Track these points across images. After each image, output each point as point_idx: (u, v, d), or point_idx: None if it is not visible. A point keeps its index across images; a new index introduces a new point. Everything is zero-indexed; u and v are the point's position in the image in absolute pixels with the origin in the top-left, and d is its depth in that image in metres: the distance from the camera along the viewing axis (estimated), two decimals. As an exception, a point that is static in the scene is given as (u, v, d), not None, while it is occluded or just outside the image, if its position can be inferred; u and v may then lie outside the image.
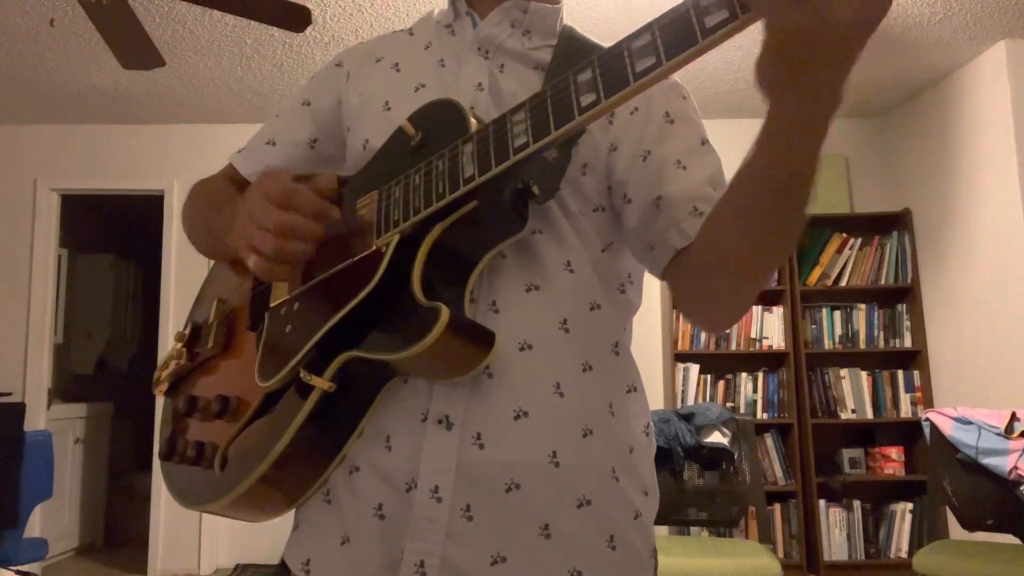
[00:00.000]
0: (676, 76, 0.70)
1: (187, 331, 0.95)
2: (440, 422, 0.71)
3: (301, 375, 0.71)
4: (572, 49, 0.83)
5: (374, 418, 0.75)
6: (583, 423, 0.74)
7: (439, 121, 0.74)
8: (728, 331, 4.11)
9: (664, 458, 2.95)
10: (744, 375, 4.11)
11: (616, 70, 0.57)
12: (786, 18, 0.47)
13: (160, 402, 0.96)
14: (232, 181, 0.96)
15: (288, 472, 0.74)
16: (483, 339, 0.69)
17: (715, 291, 0.76)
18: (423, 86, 0.84)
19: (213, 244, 0.91)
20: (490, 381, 0.72)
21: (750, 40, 2.96)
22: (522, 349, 0.73)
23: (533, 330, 0.74)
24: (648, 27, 0.55)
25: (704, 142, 0.82)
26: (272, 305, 0.81)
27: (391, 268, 0.70)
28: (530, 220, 0.74)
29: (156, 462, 4.00)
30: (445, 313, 0.64)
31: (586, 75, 0.58)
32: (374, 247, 0.73)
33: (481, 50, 0.84)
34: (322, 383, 0.70)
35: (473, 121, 0.71)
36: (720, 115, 4.34)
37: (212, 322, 0.91)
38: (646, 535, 0.78)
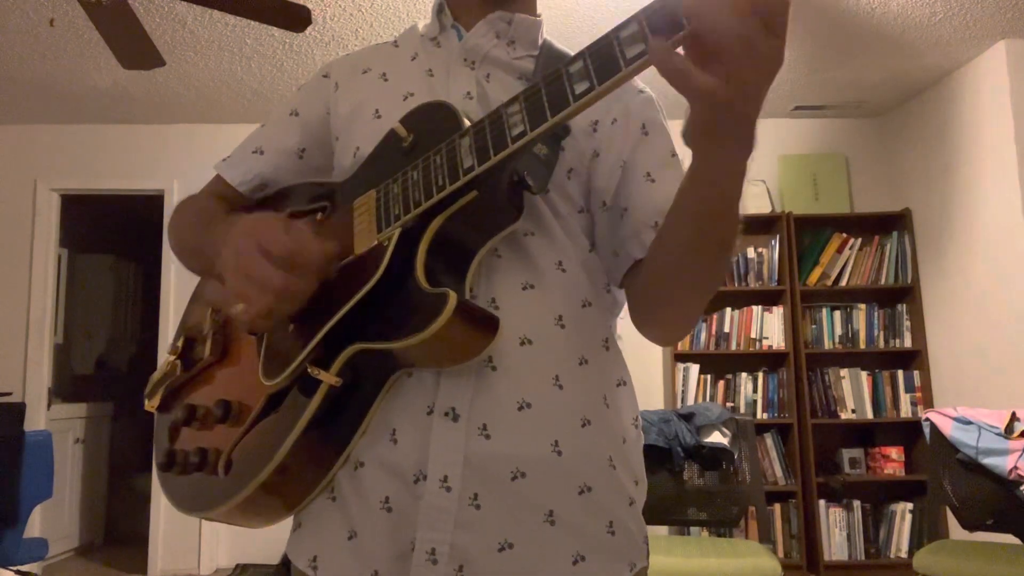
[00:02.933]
0: None
1: (180, 343, 0.95)
2: (447, 414, 0.73)
3: (308, 370, 0.72)
4: (553, 58, 0.86)
5: (379, 413, 0.76)
6: (582, 414, 0.77)
7: (431, 122, 0.76)
8: (729, 331, 4.12)
9: (664, 458, 2.95)
10: (744, 375, 4.11)
11: (607, 57, 0.58)
12: (713, 94, 0.54)
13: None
14: (219, 197, 0.96)
15: (294, 471, 0.75)
16: (488, 323, 0.71)
17: (658, 304, 0.81)
18: (411, 95, 0.86)
19: (203, 264, 0.91)
20: (494, 374, 0.75)
21: (750, 40, 2.87)
22: (522, 344, 0.76)
23: (532, 326, 0.77)
24: (635, 17, 0.57)
25: (675, 155, 0.86)
26: None
27: (394, 260, 0.71)
28: (523, 223, 0.76)
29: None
30: (453, 297, 0.66)
31: (577, 65, 0.60)
32: (376, 242, 0.74)
33: (467, 61, 0.87)
34: (330, 378, 0.71)
35: (466, 120, 0.73)
36: (720, 115, 4.34)
37: (208, 331, 0.91)
38: (639, 522, 0.81)
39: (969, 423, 2.77)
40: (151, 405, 0.94)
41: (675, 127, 0.84)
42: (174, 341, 0.97)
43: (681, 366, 4.09)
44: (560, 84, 0.61)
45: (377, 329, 0.71)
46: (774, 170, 4.41)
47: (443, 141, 0.72)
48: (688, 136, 0.60)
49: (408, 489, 0.73)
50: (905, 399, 4.09)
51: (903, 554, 3.92)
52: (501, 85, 0.86)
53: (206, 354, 0.89)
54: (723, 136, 0.59)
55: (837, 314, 4.18)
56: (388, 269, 0.71)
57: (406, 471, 0.73)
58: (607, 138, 0.84)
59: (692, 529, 3.64)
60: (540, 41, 0.90)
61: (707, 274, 0.74)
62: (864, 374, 4.12)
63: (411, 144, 0.77)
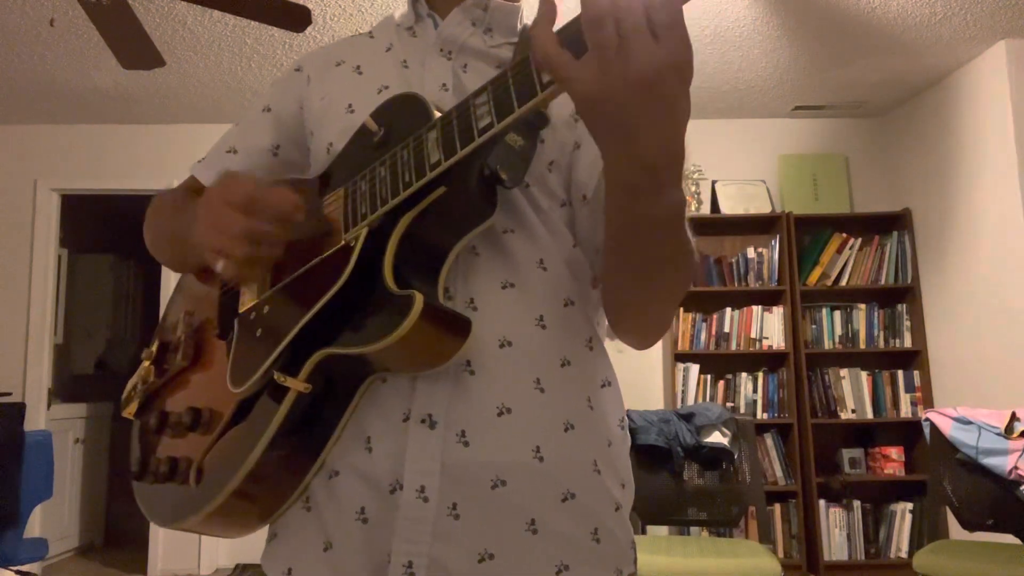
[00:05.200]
0: None
1: (154, 348, 0.92)
2: (423, 421, 0.71)
3: (275, 376, 0.69)
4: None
5: (353, 420, 0.73)
6: (564, 418, 0.74)
7: (401, 114, 0.73)
8: (729, 331, 4.12)
9: (664, 458, 2.95)
10: (744, 375, 4.11)
11: (577, 43, 0.55)
12: (584, 84, 0.51)
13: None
14: (194, 191, 0.94)
15: (267, 479, 0.72)
16: (459, 325, 0.68)
17: (620, 316, 0.77)
18: (386, 88, 0.83)
19: (177, 250, 0.89)
20: (472, 378, 0.72)
21: (749, 40, 2.97)
22: (502, 346, 0.73)
23: (511, 327, 0.74)
24: None
25: None
26: (241, 311, 0.79)
27: (361, 262, 0.69)
28: (502, 220, 0.74)
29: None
30: (419, 299, 0.63)
31: None
32: (342, 242, 0.71)
33: (444, 51, 0.84)
34: (297, 384, 0.69)
35: (436, 112, 0.70)
36: (720, 115, 4.34)
37: (180, 335, 0.89)
38: (626, 527, 0.78)
39: (969, 423, 2.77)
40: (128, 412, 0.92)
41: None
42: (149, 346, 0.94)
43: (681, 366, 4.09)
44: (528, 72, 0.58)
45: (344, 333, 0.68)
46: (774, 170, 4.41)
47: (412, 135, 0.69)
48: (589, 128, 0.57)
49: (384, 499, 0.70)
50: (905, 399, 4.09)
51: (903, 554, 3.92)
52: (479, 75, 0.82)
53: (179, 359, 0.86)
54: (613, 141, 0.55)
55: (837, 314, 4.18)
56: (354, 271, 0.68)
57: (382, 480, 0.71)
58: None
59: (692, 529, 3.65)
60: (519, 27, 0.86)
61: (657, 290, 0.71)
62: (864, 374, 4.12)
63: (381, 139, 0.73)
